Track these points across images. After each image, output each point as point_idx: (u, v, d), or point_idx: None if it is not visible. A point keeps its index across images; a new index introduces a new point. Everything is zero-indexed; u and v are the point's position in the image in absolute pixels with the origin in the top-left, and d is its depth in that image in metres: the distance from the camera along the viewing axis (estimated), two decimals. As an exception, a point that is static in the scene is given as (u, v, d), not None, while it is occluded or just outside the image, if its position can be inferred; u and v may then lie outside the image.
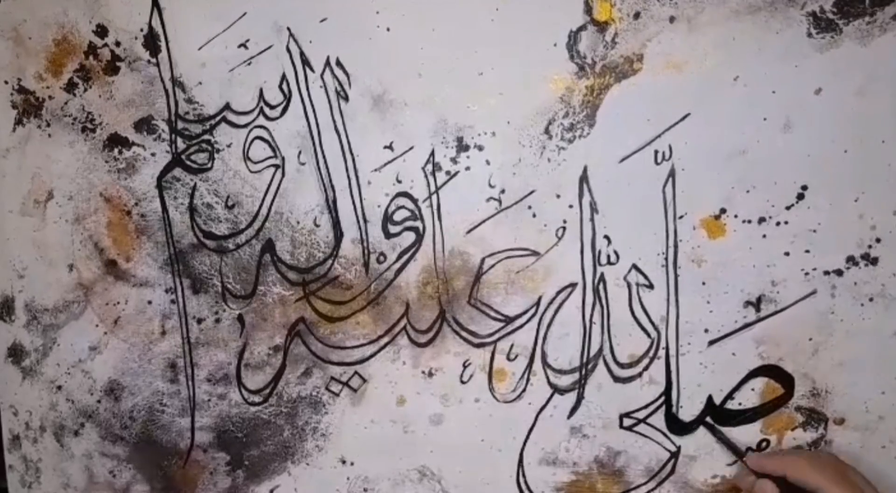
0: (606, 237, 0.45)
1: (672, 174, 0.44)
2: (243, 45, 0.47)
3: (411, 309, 0.48)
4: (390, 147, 0.47)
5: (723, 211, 0.44)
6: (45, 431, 0.55)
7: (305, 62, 0.47)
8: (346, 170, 0.48)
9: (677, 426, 0.46)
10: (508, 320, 0.47)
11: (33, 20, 0.50)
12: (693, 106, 0.43)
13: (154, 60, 0.49)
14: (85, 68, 0.50)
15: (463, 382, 0.48)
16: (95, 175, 0.51)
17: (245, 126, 0.48)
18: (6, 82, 0.52)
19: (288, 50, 0.47)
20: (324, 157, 0.48)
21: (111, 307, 0.52)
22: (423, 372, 0.48)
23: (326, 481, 0.51)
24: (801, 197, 0.43)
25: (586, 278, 0.46)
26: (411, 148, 0.47)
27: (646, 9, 0.43)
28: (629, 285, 0.45)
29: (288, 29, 0.47)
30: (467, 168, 0.46)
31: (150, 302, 0.51)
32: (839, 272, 0.43)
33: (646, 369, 0.46)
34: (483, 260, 0.47)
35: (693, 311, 0.45)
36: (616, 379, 0.46)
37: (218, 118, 0.49)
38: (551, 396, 0.47)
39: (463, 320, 0.48)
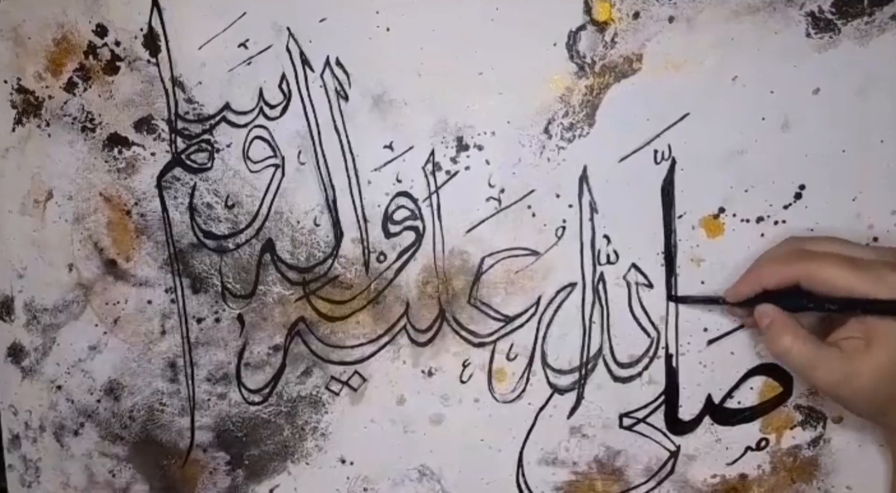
0: (606, 237, 0.45)
1: (671, 174, 0.44)
2: (243, 45, 0.48)
3: (411, 308, 0.48)
4: (390, 147, 0.47)
5: (721, 210, 0.44)
6: (44, 430, 0.54)
7: (305, 62, 0.47)
8: (346, 170, 0.48)
9: (677, 426, 0.46)
10: (508, 319, 0.47)
11: (33, 20, 0.50)
12: (692, 106, 0.43)
13: (154, 60, 0.49)
14: (84, 68, 0.50)
15: (463, 381, 0.48)
16: (95, 175, 0.51)
17: (245, 126, 0.48)
18: (5, 82, 0.52)
19: (288, 50, 0.47)
20: (324, 157, 0.48)
21: (111, 307, 0.52)
22: (423, 372, 0.49)
23: (326, 480, 0.51)
24: (798, 196, 0.43)
25: (586, 278, 0.46)
26: (411, 148, 0.47)
27: (645, 9, 0.43)
28: (629, 285, 0.45)
29: (288, 29, 0.47)
30: (467, 168, 0.46)
31: (149, 302, 0.51)
32: (838, 271, 0.43)
33: (645, 368, 0.46)
34: (483, 260, 0.47)
35: (692, 310, 0.45)
36: (616, 379, 0.46)
37: (218, 118, 0.49)
38: (551, 396, 0.47)
39: (463, 319, 0.48)
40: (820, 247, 0.38)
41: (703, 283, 0.44)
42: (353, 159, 0.47)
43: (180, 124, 0.49)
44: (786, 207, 0.43)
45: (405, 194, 0.47)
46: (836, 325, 0.39)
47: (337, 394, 0.50)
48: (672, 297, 0.44)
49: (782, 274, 0.38)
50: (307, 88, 0.47)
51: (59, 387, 0.54)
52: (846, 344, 0.37)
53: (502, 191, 0.46)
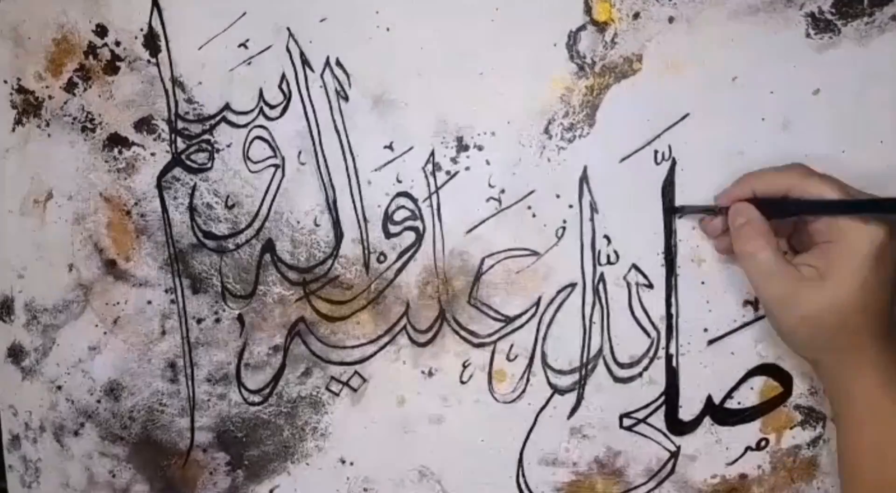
0: (606, 237, 0.45)
1: (672, 174, 0.44)
2: (243, 45, 0.48)
3: (411, 309, 0.48)
4: (390, 147, 0.47)
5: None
6: (44, 431, 0.54)
7: (305, 62, 0.47)
8: (346, 170, 0.48)
9: (677, 426, 0.46)
10: (508, 320, 0.47)
11: (33, 20, 0.50)
12: (692, 106, 0.43)
13: (154, 60, 0.49)
14: (84, 68, 0.50)
15: (463, 382, 0.48)
16: (95, 175, 0.51)
17: (245, 126, 0.48)
18: (5, 82, 0.52)
19: (288, 50, 0.47)
20: (324, 157, 0.48)
21: (111, 307, 0.52)
22: (423, 372, 0.49)
23: (326, 481, 0.51)
24: (799, 196, 0.43)
25: (586, 278, 0.46)
26: (411, 148, 0.47)
27: (645, 9, 0.43)
28: (629, 285, 0.45)
29: (288, 29, 0.47)
30: (467, 168, 0.46)
31: (149, 302, 0.51)
32: (838, 272, 0.43)
33: (646, 369, 0.46)
34: (483, 260, 0.47)
35: (692, 310, 0.45)
36: (616, 379, 0.46)
37: (218, 118, 0.49)
38: (551, 396, 0.47)
39: (463, 319, 0.48)
40: (821, 174, 0.38)
41: (703, 283, 0.44)
42: (353, 159, 0.47)
43: (180, 124, 0.49)
44: (786, 208, 0.43)
45: (405, 195, 0.47)
46: (801, 251, 0.40)
47: (337, 394, 0.50)
48: (672, 208, 0.44)
49: (775, 181, 0.39)
50: (307, 89, 0.47)
51: (59, 387, 0.54)
52: (804, 269, 0.37)
53: (502, 191, 0.46)
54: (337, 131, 0.47)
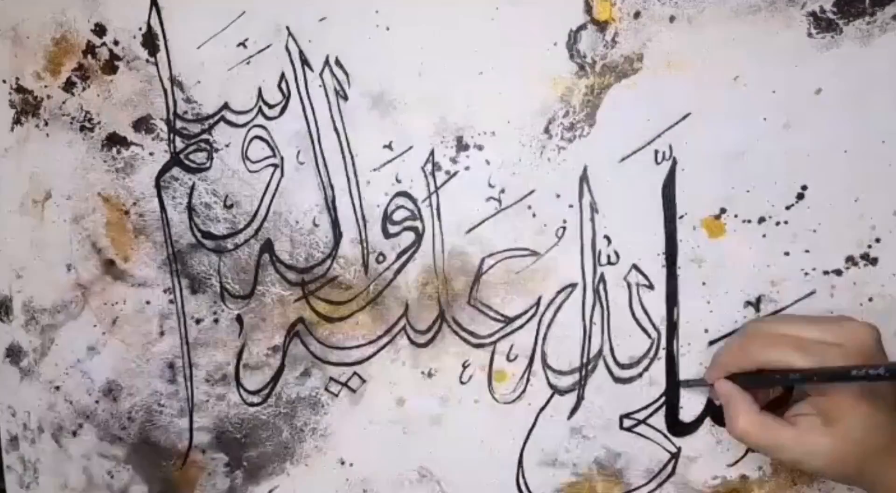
0: (606, 237, 0.45)
1: (672, 174, 0.44)
2: (242, 45, 0.47)
3: (410, 309, 0.48)
4: (390, 147, 0.47)
5: (723, 211, 0.44)
6: (43, 431, 0.54)
7: (304, 61, 0.47)
8: (346, 170, 0.47)
9: (678, 427, 0.46)
10: (508, 320, 0.47)
11: (32, 19, 0.50)
12: (693, 106, 0.43)
13: (152, 59, 0.49)
14: (83, 67, 0.50)
15: (462, 382, 0.48)
16: (94, 175, 0.51)
17: (244, 125, 0.48)
18: (4, 82, 0.52)
19: (287, 49, 0.47)
20: (323, 156, 0.48)
21: (109, 308, 0.52)
22: (423, 373, 0.48)
23: (325, 482, 0.51)
24: (800, 197, 0.43)
25: (586, 279, 0.46)
26: (411, 148, 0.46)
27: (646, 8, 0.43)
28: (629, 286, 0.45)
29: (287, 28, 0.47)
30: (467, 168, 0.46)
31: (148, 302, 0.51)
32: (838, 272, 0.43)
33: (646, 369, 0.46)
34: (483, 260, 0.47)
35: (693, 311, 0.45)
36: (616, 380, 0.46)
37: (216, 117, 0.49)
38: (551, 397, 0.47)
39: (462, 320, 0.47)
40: (775, 328, 0.39)
41: (704, 284, 0.44)
42: (353, 159, 0.47)
43: (179, 124, 0.49)
44: (787, 208, 0.43)
45: (405, 194, 0.47)
46: (795, 401, 0.40)
47: (336, 395, 0.50)
48: (678, 382, 0.45)
49: (742, 363, 0.40)
50: (306, 88, 0.47)
51: (57, 388, 0.54)
52: (803, 421, 0.38)
53: (502, 191, 0.46)
54: (336, 131, 0.47)
